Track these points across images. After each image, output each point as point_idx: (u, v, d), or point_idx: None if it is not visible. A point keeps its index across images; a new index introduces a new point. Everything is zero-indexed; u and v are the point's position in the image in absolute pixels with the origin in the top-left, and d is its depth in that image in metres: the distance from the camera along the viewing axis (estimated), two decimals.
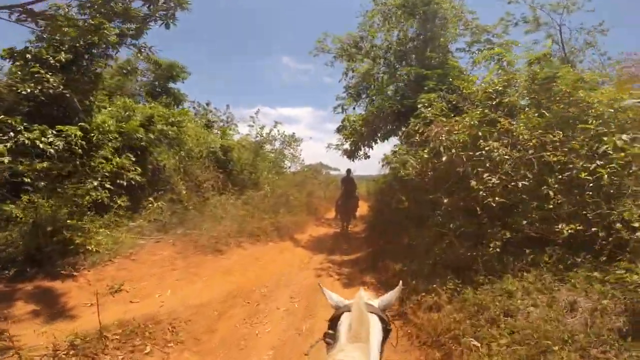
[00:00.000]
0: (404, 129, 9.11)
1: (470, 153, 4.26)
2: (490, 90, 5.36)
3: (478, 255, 4.04)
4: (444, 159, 4.18)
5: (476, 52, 10.01)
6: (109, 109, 9.15)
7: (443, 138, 4.29)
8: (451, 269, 4.39)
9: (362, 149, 10.20)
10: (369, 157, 10.48)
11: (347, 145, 10.45)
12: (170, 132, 9.06)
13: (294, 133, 16.26)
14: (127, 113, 9.12)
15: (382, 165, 12.50)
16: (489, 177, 3.90)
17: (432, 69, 8.20)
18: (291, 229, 9.54)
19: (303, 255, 7.89)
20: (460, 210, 4.82)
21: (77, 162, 6.13)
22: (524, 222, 3.96)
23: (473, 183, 3.95)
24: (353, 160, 10.55)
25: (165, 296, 4.66)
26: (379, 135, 9.67)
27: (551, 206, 3.82)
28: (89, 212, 5.59)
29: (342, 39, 11.69)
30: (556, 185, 3.92)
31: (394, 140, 11.54)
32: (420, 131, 5.06)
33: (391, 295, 1.39)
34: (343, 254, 8.15)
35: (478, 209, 3.98)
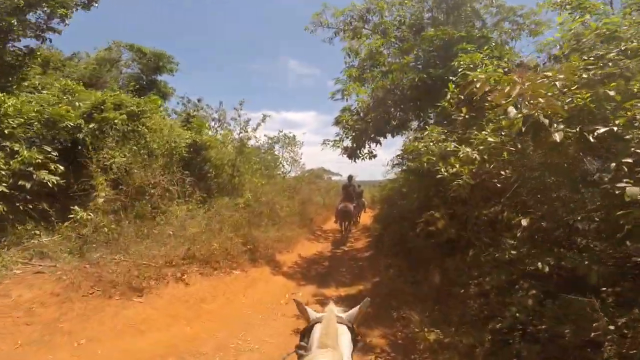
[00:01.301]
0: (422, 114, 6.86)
1: (598, 128, 1.98)
2: (589, 37, 3.12)
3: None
4: (556, 137, 1.89)
5: (506, 32, 8.04)
6: (46, 92, 7.34)
7: (541, 102, 2.00)
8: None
9: (367, 145, 7.88)
10: (375, 156, 8.12)
11: (347, 142, 8.15)
12: (117, 122, 7.00)
13: (294, 135, 14.75)
14: (66, 97, 7.24)
15: (393, 165, 10.25)
16: None
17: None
18: (273, 248, 7.23)
19: (282, 288, 5.59)
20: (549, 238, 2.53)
21: None
22: None
23: (634, 190, 1.65)
24: (355, 161, 8.20)
25: None
26: (389, 126, 7.36)
27: None
28: None
29: (345, 11, 9.56)
30: None
31: (397, 142, 9.17)
32: (473, 95, 2.74)
33: (357, 310, 1.37)
34: (340, 285, 5.85)
35: None
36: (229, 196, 8.61)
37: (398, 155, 9.53)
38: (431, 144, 3.27)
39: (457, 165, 2.74)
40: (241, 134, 10.60)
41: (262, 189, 9.60)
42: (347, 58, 9.51)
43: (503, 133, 2.52)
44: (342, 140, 8.18)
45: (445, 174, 2.80)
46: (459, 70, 4.04)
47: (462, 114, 3.31)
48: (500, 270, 2.52)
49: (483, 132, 2.66)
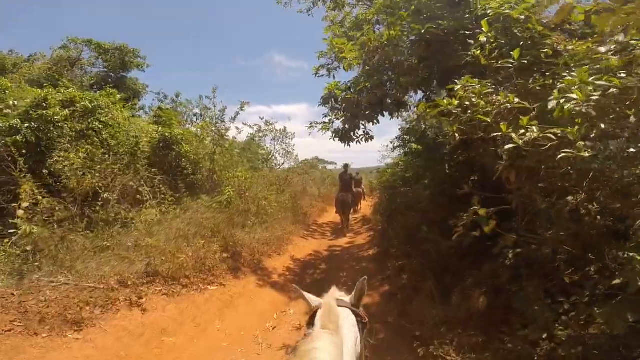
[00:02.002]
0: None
1: None
2: None
3: None
4: None
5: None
6: None
7: None
8: None
9: (362, 125, 6.76)
10: (372, 137, 6.99)
11: (338, 123, 7.00)
12: (57, 118, 5.95)
13: (285, 127, 14.45)
14: None
15: (394, 148, 9.21)
16: None
17: None
18: (260, 252, 6.19)
19: (269, 305, 4.55)
20: None
21: None
22: None
23: None
24: (348, 144, 7.08)
25: None
26: (387, 101, 6.22)
27: None
28: None
29: None
30: None
31: (391, 130, 8.13)
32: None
33: (359, 291, 1.31)
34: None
35: None
36: (208, 194, 7.59)
37: (397, 137, 8.46)
38: (473, 99, 2.17)
39: (535, 129, 1.67)
40: (217, 124, 9.55)
41: (247, 184, 8.53)
42: (330, 35, 8.39)
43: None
44: (332, 122, 7.04)
45: (520, 142, 1.73)
46: (488, 12, 2.97)
47: (513, 60, 2.24)
48: (621, 304, 1.50)
49: (571, 77, 1.60)
